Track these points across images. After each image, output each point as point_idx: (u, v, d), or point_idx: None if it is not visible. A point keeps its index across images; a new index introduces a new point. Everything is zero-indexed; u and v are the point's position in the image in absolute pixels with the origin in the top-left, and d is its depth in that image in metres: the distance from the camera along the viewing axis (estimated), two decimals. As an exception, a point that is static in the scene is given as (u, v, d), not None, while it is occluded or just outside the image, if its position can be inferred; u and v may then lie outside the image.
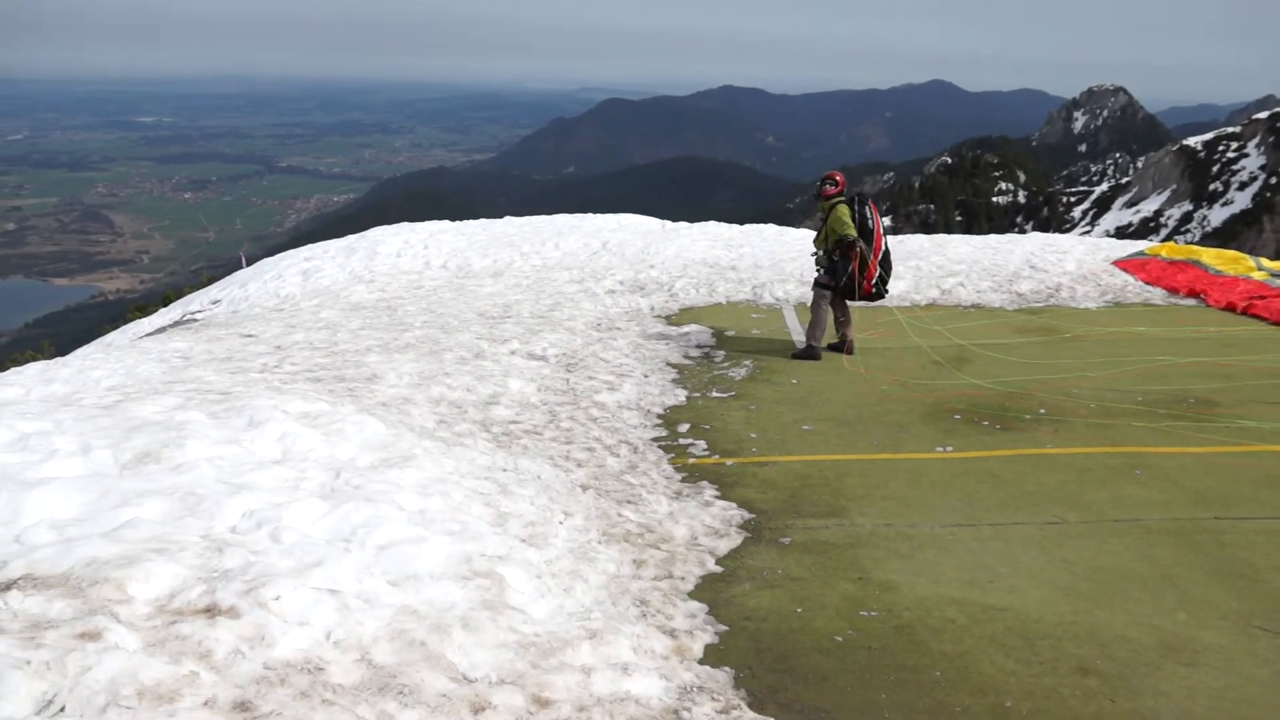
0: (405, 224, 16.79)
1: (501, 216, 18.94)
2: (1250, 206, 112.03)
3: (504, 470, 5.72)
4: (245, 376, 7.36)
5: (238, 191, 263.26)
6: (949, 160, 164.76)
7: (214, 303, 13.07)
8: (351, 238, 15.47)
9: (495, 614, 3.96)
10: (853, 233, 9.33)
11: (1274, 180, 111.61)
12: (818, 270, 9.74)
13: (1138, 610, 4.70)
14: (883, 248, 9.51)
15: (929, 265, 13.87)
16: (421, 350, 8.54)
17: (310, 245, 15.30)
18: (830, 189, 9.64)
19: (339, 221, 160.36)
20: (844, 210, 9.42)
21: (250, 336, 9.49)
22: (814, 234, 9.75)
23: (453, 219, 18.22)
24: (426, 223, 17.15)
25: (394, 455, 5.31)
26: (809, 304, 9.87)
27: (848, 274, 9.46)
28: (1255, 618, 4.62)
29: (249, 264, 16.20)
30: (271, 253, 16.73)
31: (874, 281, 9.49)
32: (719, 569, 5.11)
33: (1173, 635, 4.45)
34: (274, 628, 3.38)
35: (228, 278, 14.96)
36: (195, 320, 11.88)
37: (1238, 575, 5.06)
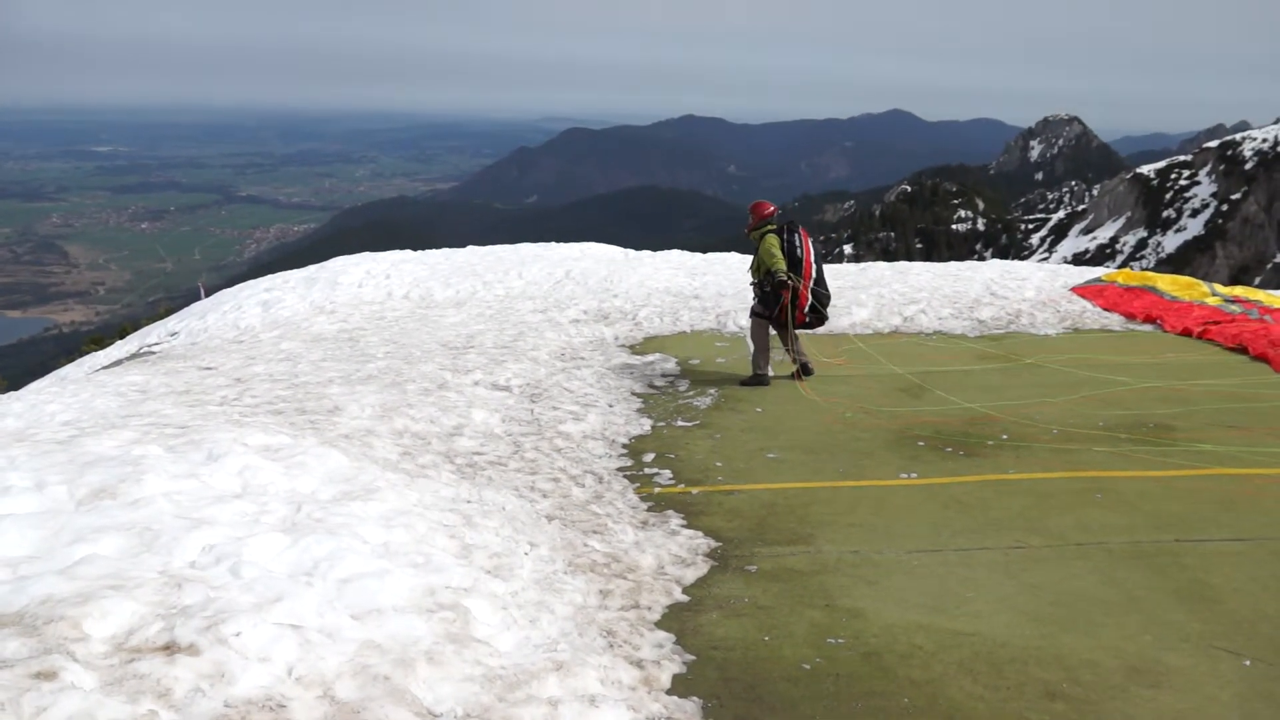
0: (367, 254, 16.69)
1: (464, 246, 18.90)
2: (1203, 233, 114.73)
3: (468, 502, 5.67)
4: (204, 410, 7.26)
5: (196, 221, 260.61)
6: (909, 188, 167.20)
7: (172, 335, 12.89)
8: (312, 268, 15.34)
9: (460, 647, 3.91)
10: (781, 265, 9.37)
11: (1224, 207, 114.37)
12: (754, 299, 9.82)
13: (1103, 634, 4.74)
14: (813, 274, 9.52)
15: (891, 293, 14.01)
16: (384, 381, 8.47)
17: (270, 276, 15.14)
18: (757, 218, 9.71)
19: (299, 251, 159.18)
20: (772, 240, 9.48)
21: (209, 369, 9.36)
22: (753, 265, 9.82)
23: (415, 248, 18.15)
24: (388, 252, 17.07)
25: (356, 488, 5.24)
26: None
27: (780, 304, 9.52)
28: (1217, 639, 4.67)
29: (208, 295, 16.01)
30: (231, 283, 16.55)
31: (807, 309, 9.54)
32: (686, 598, 5.09)
33: (1137, 658, 4.49)
34: (234, 665, 3.31)
35: (186, 309, 14.77)
36: (153, 353, 11.70)
37: (1199, 597, 5.12)
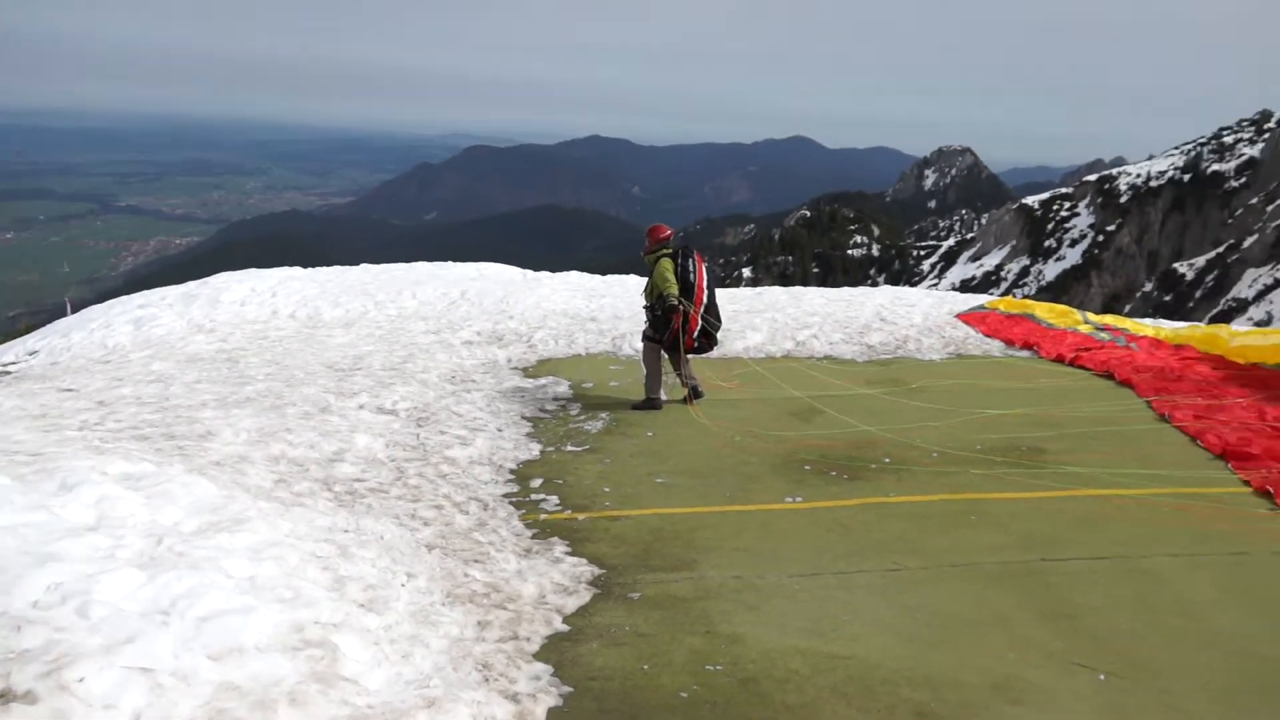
0: (253, 270, 16.19)
1: (358, 263, 18.52)
2: (1080, 262, 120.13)
3: (345, 531, 5.50)
4: (61, 435, 6.88)
5: (68, 232, 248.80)
6: (808, 214, 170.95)
7: (31, 354, 12.22)
8: (192, 284, 14.78)
9: (326, 686, 3.77)
10: (673, 290, 9.43)
11: (1100, 238, 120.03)
12: (647, 322, 9.86)
13: (970, 652, 4.86)
14: (704, 299, 9.60)
15: (784, 317, 14.22)
16: (262, 405, 8.18)
17: (146, 291, 14.49)
18: (653, 241, 9.77)
19: (181, 266, 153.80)
20: (666, 264, 9.53)
21: (70, 391, 8.90)
22: (646, 288, 9.86)
23: (306, 265, 17.70)
24: (276, 269, 16.59)
25: (225, 518, 5.03)
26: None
27: (670, 328, 9.58)
28: (1075, 655, 4.85)
29: (75, 311, 15.27)
30: (103, 298, 15.80)
31: (696, 335, 9.61)
32: (566, 628, 5.03)
33: (1002, 676, 4.61)
34: (76, 713, 3.13)
35: (49, 326, 14.02)
36: (8, 373, 11.08)
37: (1060, 615, 5.31)
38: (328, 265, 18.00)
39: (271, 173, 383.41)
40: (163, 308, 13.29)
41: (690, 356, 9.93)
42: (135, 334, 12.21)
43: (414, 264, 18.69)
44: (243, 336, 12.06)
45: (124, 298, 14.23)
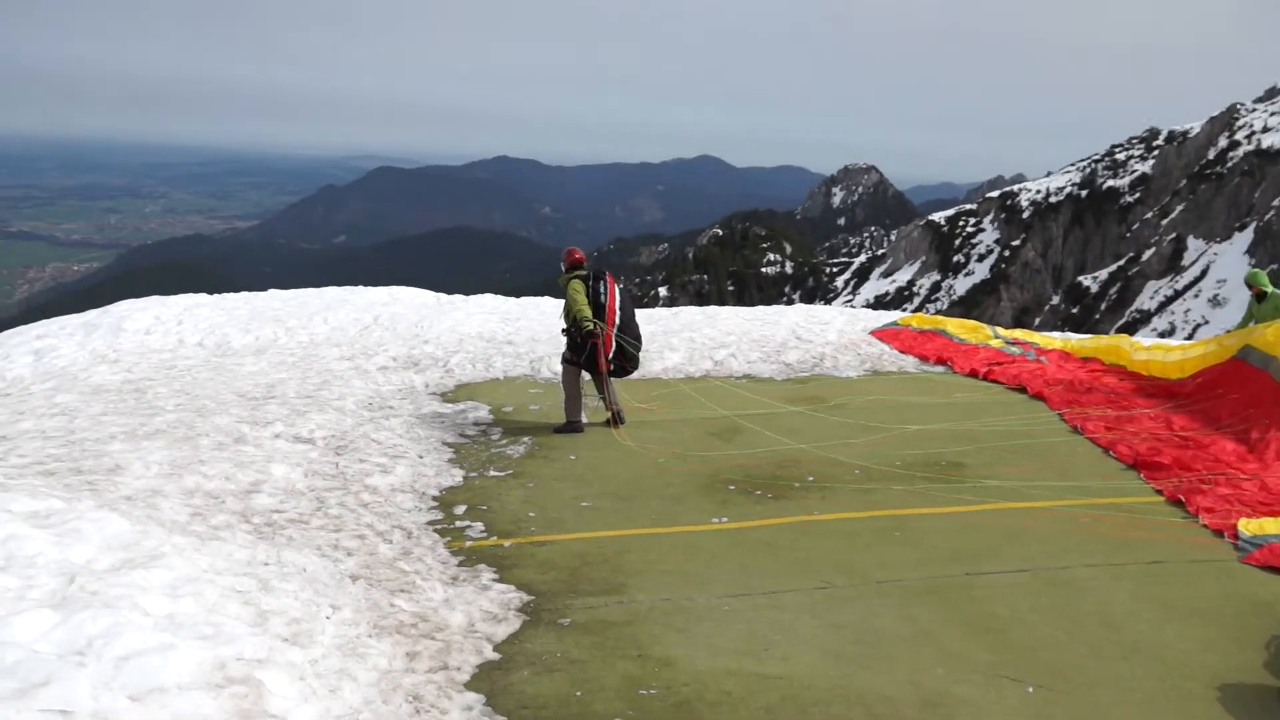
0: (156, 298, 15.65)
1: (265, 288, 18.05)
2: (989, 276, 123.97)
3: (265, 564, 5.36)
4: (-38, 472, 6.56)
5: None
6: (720, 232, 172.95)
7: (-74, 387, 11.64)
8: (93, 313, 14.22)
9: (254, 726, 3.67)
10: (586, 312, 9.48)
11: (1007, 253, 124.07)
12: (566, 345, 9.87)
13: (900, 669, 4.95)
14: (617, 320, 9.64)
15: (701, 337, 14.32)
16: (174, 436, 7.92)
17: (45, 321, 13.90)
18: (567, 265, 9.81)
19: (79, 293, 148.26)
20: (577, 287, 9.58)
21: (-30, 425, 8.50)
22: (563, 312, 9.89)
23: (212, 291, 17.19)
24: (181, 296, 16.07)
25: (139, 554, 4.86)
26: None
27: (588, 350, 9.61)
28: (1003, 668, 4.98)
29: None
30: (-1, 329, 15.14)
31: (610, 356, 9.64)
32: (497, 656, 4.98)
33: (931, 691, 4.71)
34: (-11, 765, 2.98)
35: (-58, 358, 13.36)
36: (-97, 407, 10.52)
37: (986, 628, 5.44)
38: (234, 291, 17.51)
39: (171, 196, 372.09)
40: (63, 338, 12.76)
41: (613, 380, 9.95)
42: (35, 365, 11.70)
43: (324, 289, 18.31)
44: (149, 366, 11.65)
45: (21, 328, 13.61)
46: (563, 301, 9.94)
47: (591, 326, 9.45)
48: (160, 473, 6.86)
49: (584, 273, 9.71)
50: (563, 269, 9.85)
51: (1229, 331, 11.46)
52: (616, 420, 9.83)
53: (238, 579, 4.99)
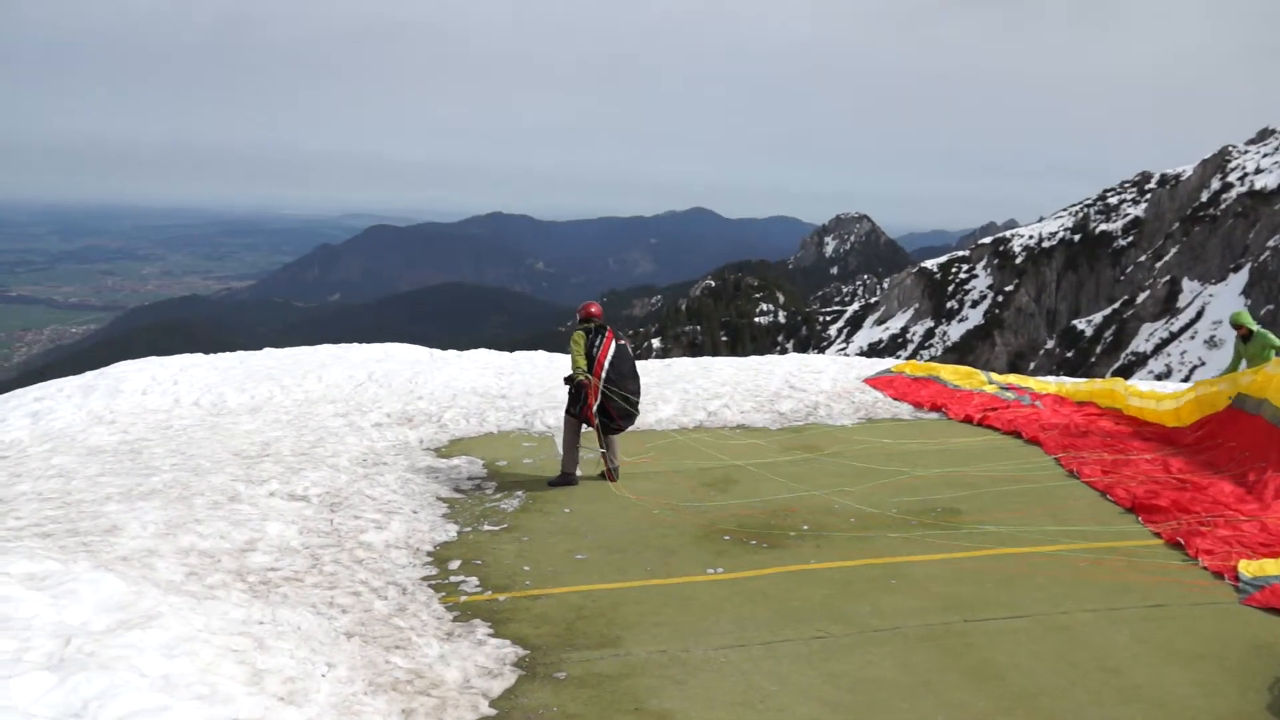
0: (153, 358, 15.73)
1: (261, 347, 18.15)
2: (983, 322, 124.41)
3: (260, 623, 5.36)
4: (-42, 536, 6.58)
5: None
6: (713, 283, 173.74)
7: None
8: (91, 374, 14.29)
9: (249, 785, 3.67)
10: (580, 362, 9.64)
11: (1000, 298, 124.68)
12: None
13: (899, 717, 4.94)
14: (604, 374, 9.69)
15: (695, 388, 14.38)
16: (169, 496, 7.95)
17: (42, 383, 13.97)
18: (580, 318, 10.04)
19: (77, 355, 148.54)
20: (577, 338, 9.77)
21: (-34, 489, 8.52)
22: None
23: (209, 351, 17.28)
24: (177, 356, 16.15)
25: (135, 615, 4.87)
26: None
27: (584, 402, 9.68)
28: (1003, 716, 4.97)
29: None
30: (-4, 392, 15.17)
31: (594, 409, 9.64)
32: (493, 711, 4.98)
33: (929, 739, 4.69)
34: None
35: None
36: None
37: (985, 675, 5.43)
38: (231, 350, 17.60)
39: (168, 258, 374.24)
40: (60, 399, 12.81)
41: (614, 436, 9.99)
42: (33, 427, 11.74)
43: (319, 346, 18.41)
44: (145, 426, 11.69)
45: (19, 390, 13.67)
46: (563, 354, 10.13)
47: (579, 376, 9.58)
48: (156, 532, 6.88)
49: (590, 325, 9.89)
50: (577, 321, 10.09)
51: (1220, 375, 11.54)
52: (612, 476, 9.87)
53: (233, 638, 4.99)
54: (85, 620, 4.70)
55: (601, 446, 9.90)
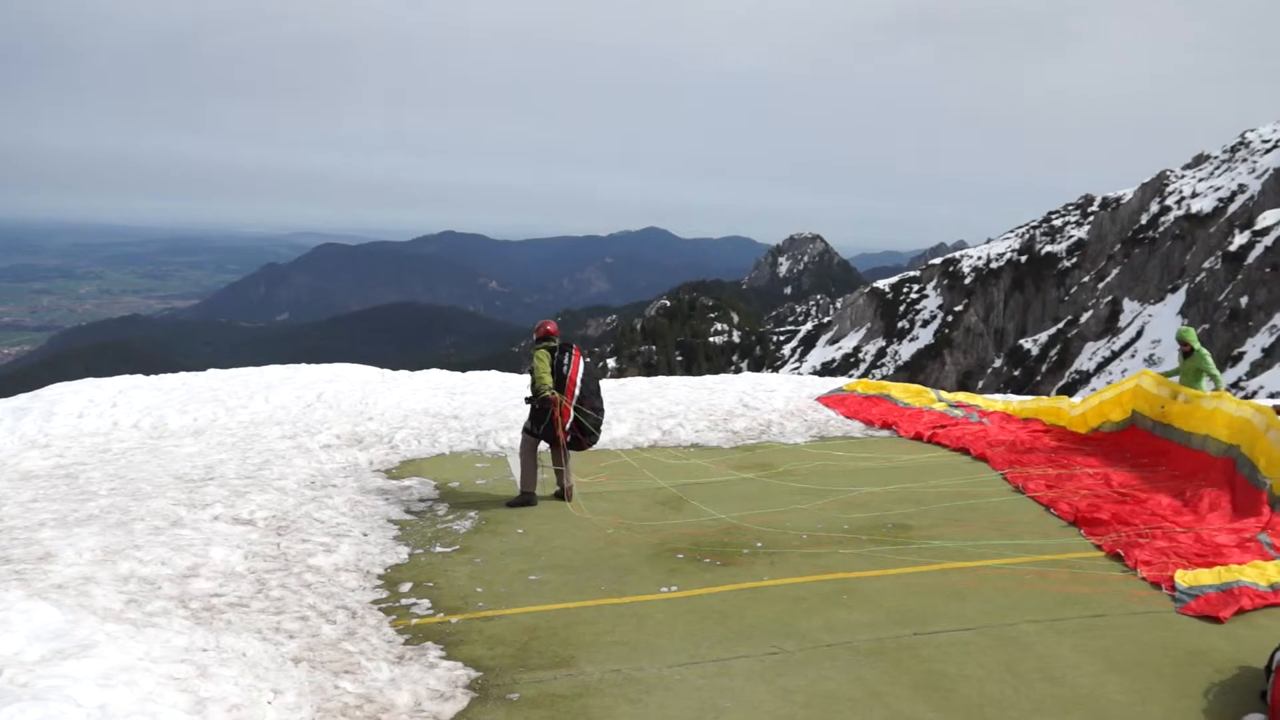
0: (90, 380, 15.30)
1: (205, 368, 17.75)
2: (933, 341, 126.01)
3: (204, 650, 5.21)
4: (-117, 564, 6.32)
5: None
6: (668, 303, 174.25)
7: None
8: (23, 397, 13.87)
9: (191, 819, 3.54)
10: (547, 380, 9.49)
11: (950, 318, 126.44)
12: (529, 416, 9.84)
13: (851, 733, 4.93)
14: (576, 392, 9.63)
15: (650, 407, 14.34)
16: (107, 521, 7.71)
17: (-28, 407, 13.54)
18: (537, 336, 9.86)
19: (11, 376, 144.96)
20: (541, 356, 9.62)
21: (-107, 515, 8.20)
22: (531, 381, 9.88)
23: (150, 372, 16.85)
24: (116, 378, 15.73)
25: (70, 644, 4.70)
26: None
27: (548, 421, 9.59)
28: (952, 727, 4.98)
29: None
30: (-76, 416, 14.61)
31: (567, 427, 9.59)
32: (445, 736, 4.87)
33: (883, 754, 4.69)
34: None
35: None
36: None
37: (935, 687, 5.48)
38: (173, 371, 17.20)
39: (106, 276, 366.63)
40: (-9, 423, 12.43)
41: (571, 454, 9.90)
42: (-38, 452, 11.35)
43: (265, 367, 18.07)
44: (81, 450, 11.37)
45: (-53, 413, 13.22)
46: (528, 373, 9.98)
47: (549, 394, 9.46)
48: (93, 559, 6.67)
49: (553, 344, 9.77)
50: (534, 340, 9.91)
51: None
52: (567, 496, 9.77)
53: (175, 666, 4.85)
54: (18, 650, 4.54)
55: (560, 464, 9.81)
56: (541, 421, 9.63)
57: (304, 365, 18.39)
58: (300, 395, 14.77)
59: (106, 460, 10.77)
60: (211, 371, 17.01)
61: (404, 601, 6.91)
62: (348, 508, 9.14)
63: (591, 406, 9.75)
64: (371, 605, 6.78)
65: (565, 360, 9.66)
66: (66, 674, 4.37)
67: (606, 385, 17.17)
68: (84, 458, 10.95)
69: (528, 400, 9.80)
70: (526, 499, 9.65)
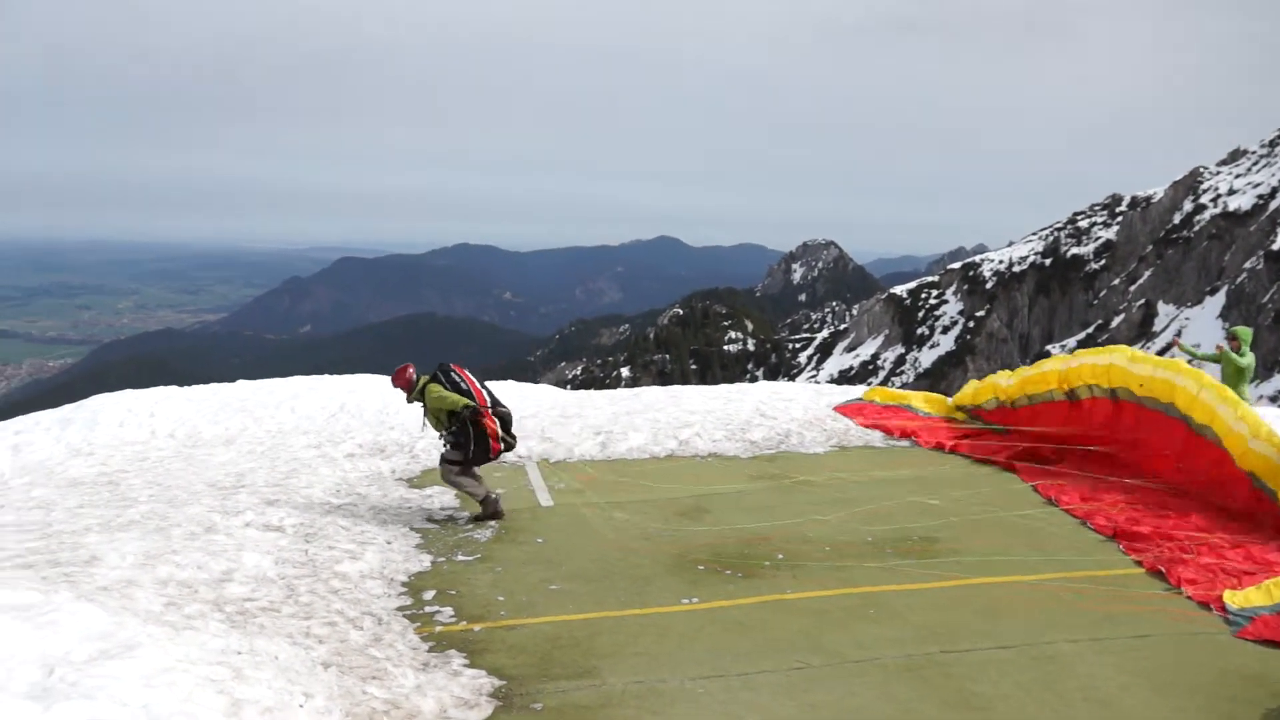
0: (129, 391, 15.70)
1: (235, 379, 18.11)
2: (954, 348, 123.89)
3: (238, 653, 5.44)
4: (-65, 569, 6.61)
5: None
6: (680, 311, 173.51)
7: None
8: (68, 407, 14.28)
9: (232, 810, 3.75)
10: (460, 399, 9.26)
11: (971, 324, 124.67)
12: (445, 447, 9.58)
13: (882, 752, 4.94)
14: (487, 400, 9.47)
15: (665, 417, 14.41)
16: (147, 527, 8.00)
17: (21, 417, 13.96)
18: (405, 384, 9.62)
19: (56, 389, 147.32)
20: (434, 388, 9.37)
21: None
22: (432, 420, 9.56)
23: (182, 383, 17.22)
24: (152, 389, 16.11)
25: (115, 645, 4.94)
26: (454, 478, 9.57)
27: (477, 439, 9.36)
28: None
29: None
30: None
31: (500, 436, 9.45)
32: (471, 741, 5.05)
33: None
34: None
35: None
36: None
37: (968, 706, 5.44)
38: (204, 382, 17.56)
39: (142, 292, 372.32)
40: (39, 432, 12.84)
41: (505, 457, 9.68)
42: (13, 460, 11.77)
43: (291, 378, 18.38)
44: (122, 458, 11.71)
45: (-1, 424, 13.73)
46: (423, 417, 9.68)
47: (473, 406, 9.25)
48: (134, 563, 6.94)
49: (430, 374, 9.56)
50: (404, 392, 9.69)
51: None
52: (499, 512, 9.57)
53: (211, 668, 5.06)
54: (67, 650, 4.77)
55: (476, 478, 9.59)
56: (468, 446, 9.37)
57: (327, 376, 18.69)
58: (324, 405, 15.05)
59: (145, 468, 11.09)
60: (240, 382, 17.35)
61: (428, 609, 7.10)
62: (371, 516, 9.37)
63: (504, 406, 9.62)
64: (396, 612, 6.97)
65: (456, 378, 9.46)
66: (112, 674, 4.58)
67: (622, 394, 17.31)
68: (125, 465, 11.29)
69: (441, 436, 9.57)
70: (493, 508, 9.51)
